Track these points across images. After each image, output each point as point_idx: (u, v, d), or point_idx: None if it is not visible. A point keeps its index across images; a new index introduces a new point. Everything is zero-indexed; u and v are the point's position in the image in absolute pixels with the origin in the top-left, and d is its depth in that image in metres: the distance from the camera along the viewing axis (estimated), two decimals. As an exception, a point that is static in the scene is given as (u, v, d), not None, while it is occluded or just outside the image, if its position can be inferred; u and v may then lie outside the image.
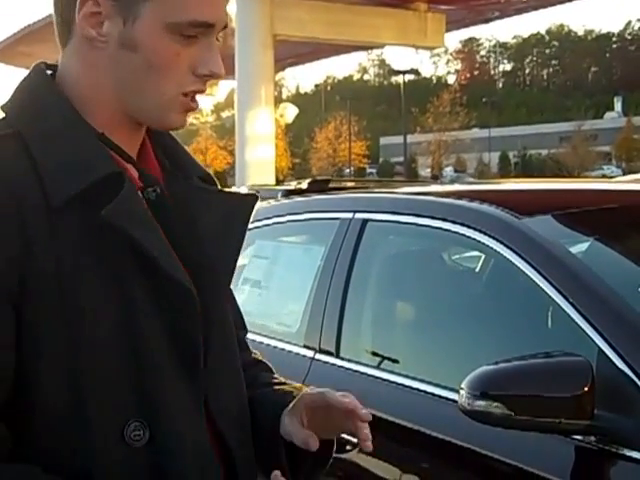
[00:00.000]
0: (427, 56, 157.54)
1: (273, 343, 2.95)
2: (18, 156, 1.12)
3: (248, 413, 1.31)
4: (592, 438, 1.90)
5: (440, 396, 2.25)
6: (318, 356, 2.71)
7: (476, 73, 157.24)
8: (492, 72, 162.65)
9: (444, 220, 2.52)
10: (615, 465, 1.88)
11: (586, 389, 1.82)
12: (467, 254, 3.00)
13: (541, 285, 2.14)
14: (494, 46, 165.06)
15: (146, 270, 1.14)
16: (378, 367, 2.58)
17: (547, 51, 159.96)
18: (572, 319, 2.04)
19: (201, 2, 1.15)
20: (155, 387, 1.14)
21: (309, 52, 31.69)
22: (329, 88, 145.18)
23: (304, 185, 3.83)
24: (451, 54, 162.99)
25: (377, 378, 2.51)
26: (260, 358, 1.50)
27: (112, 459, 1.11)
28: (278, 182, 24.26)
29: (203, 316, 1.19)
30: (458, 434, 2.14)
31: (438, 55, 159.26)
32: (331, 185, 3.79)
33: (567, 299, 2.07)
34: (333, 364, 2.66)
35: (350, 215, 2.85)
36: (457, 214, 2.50)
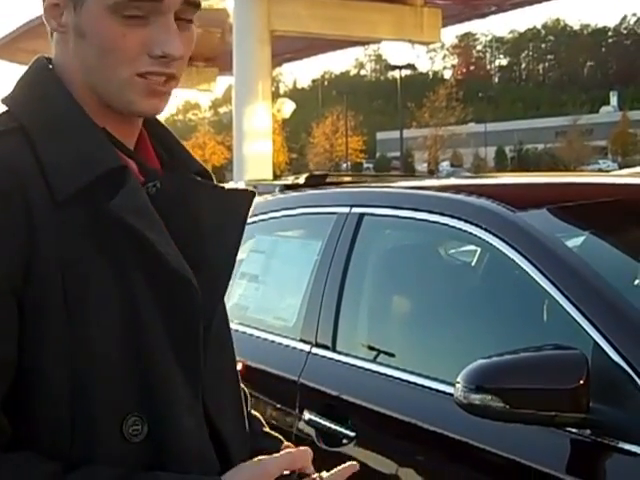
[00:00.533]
0: (423, 51, 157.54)
1: (270, 337, 2.96)
2: (22, 150, 1.12)
3: (244, 414, 1.31)
4: (587, 431, 1.90)
5: (436, 390, 2.26)
6: (314, 350, 2.72)
7: (472, 68, 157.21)
8: (488, 67, 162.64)
9: (440, 214, 2.52)
10: (610, 458, 1.88)
11: (581, 382, 1.82)
12: (463, 248, 3.01)
13: (536, 279, 2.15)
14: (490, 41, 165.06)
15: (150, 265, 1.13)
16: (374, 361, 2.59)
17: (543, 46, 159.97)
18: (567, 312, 2.04)
19: None
20: (155, 382, 1.13)
21: (306, 47, 31.65)
22: (326, 83, 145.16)
23: (301, 180, 3.84)
24: (447, 49, 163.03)
25: (373, 372, 2.52)
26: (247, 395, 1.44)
27: (110, 453, 1.10)
28: (275, 177, 24.26)
29: (207, 315, 1.19)
30: (454, 427, 2.15)
31: (434, 50, 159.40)
32: (328, 180, 3.80)
33: (562, 292, 2.07)
34: (329, 358, 2.66)
35: (347, 209, 2.86)
36: (453, 208, 2.51)
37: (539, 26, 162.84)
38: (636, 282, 2.52)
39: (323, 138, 69.36)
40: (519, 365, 1.91)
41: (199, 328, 1.17)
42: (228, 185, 1.35)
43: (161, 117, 1.31)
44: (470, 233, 2.41)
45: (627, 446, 1.83)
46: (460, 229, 2.44)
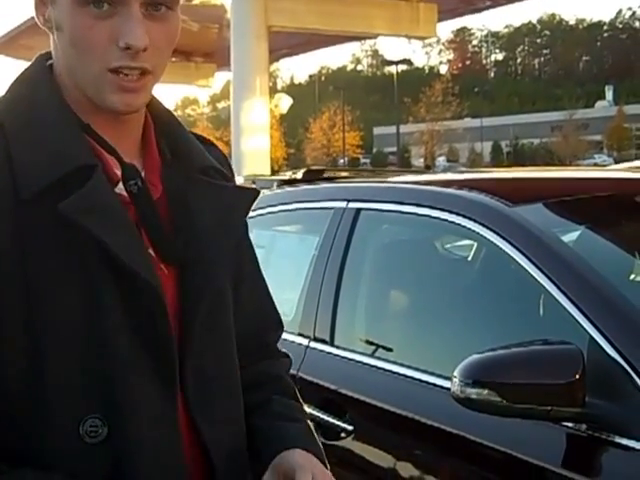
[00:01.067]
0: (419, 46, 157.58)
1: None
2: None
3: (242, 421, 1.28)
4: (583, 425, 1.91)
5: (433, 384, 2.26)
6: (313, 344, 2.73)
7: (468, 63, 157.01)
8: (484, 62, 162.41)
9: (437, 209, 2.53)
10: (606, 452, 1.88)
11: (577, 377, 1.83)
12: (460, 242, 3.01)
13: (532, 273, 2.15)
14: (486, 36, 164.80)
15: (108, 264, 1.12)
16: (372, 355, 2.60)
17: (538, 40, 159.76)
18: (563, 307, 2.04)
19: None
20: (119, 385, 1.11)
21: (303, 43, 31.61)
22: (323, 78, 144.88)
23: (299, 175, 3.84)
24: (443, 44, 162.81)
25: (371, 366, 2.53)
26: (283, 374, 1.43)
27: (65, 452, 1.10)
28: (273, 172, 24.26)
29: (188, 316, 1.17)
30: (450, 421, 2.15)
31: (430, 45, 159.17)
32: (325, 175, 3.80)
33: (558, 287, 2.08)
34: (327, 352, 2.67)
35: (344, 204, 2.86)
36: (449, 203, 2.51)
37: (534, 21, 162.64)
38: (631, 277, 2.53)
39: (320, 133, 69.30)
40: (515, 359, 1.91)
41: (166, 331, 1.15)
42: (232, 183, 1.34)
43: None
44: (466, 228, 2.41)
45: (623, 440, 1.83)
46: (456, 224, 2.45)
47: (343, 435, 2.42)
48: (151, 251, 1.18)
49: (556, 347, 1.90)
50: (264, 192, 3.51)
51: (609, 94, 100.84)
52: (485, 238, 2.36)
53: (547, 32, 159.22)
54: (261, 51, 22.78)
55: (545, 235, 2.25)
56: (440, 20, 27.18)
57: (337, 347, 2.66)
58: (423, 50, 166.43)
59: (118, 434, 1.11)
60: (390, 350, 2.62)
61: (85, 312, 1.10)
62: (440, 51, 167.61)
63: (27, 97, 1.18)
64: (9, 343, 1.08)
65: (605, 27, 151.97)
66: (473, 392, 1.89)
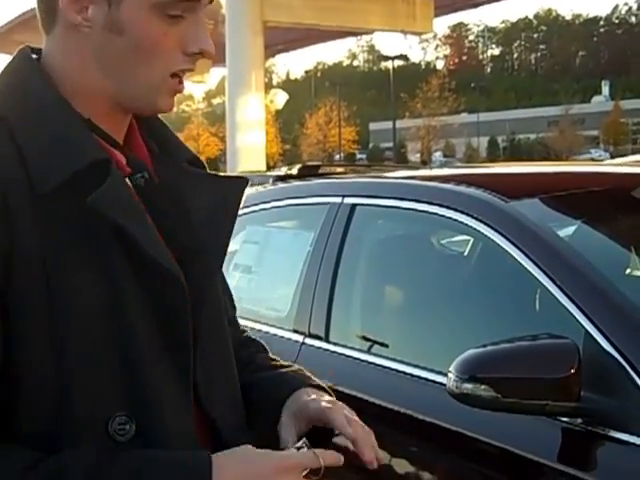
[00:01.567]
0: (416, 41, 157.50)
1: (263, 328, 2.96)
2: (2, 141, 1.11)
3: (240, 399, 1.30)
4: (579, 420, 1.91)
5: (428, 379, 2.26)
6: (308, 340, 2.72)
7: (464, 58, 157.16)
8: (480, 57, 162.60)
9: (433, 204, 2.52)
10: (601, 446, 1.88)
11: (572, 371, 1.82)
12: (456, 238, 3.01)
13: (528, 268, 2.15)
14: (482, 31, 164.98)
15: (132, 257, 1.12)
16: (367, 351, 2.59)
17: (535, 36, 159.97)
18: (559, 301, 2.04)
19: None
20: (143, 379, 1.11)
21: (299, 38, 31.65)
22: (319, 74, 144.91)
23: (295, 171, 3.84)
24: (440, 39, 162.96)
25: (366, 362, 2.52)
26: (252, 336, 1.49)
27: None
28: (269, 168, 24.27)
29: (193, 303, 1.18)
30: (446, 417, 2.15)
31: (427, 40, 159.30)
32: (321, 170, 3.80)
33: (554, 282, 2.07)
34: (322, 348, 2.67)
35: (339, 200, 2.86)
36: (445, 198, 2.51)
37: (531, 16, 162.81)
38: (627, 271, 2.53)
39: (316, 129, 69.26)
40: (511, 354, 1.91)
41: (186, 320, 1.16)
42: (220, 173, 1.35)
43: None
44: (463, 223, 2.41)
45: (618, 435, 1.83)
46: (453, 219, 2.44)
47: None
48: None
49: (552, 342, 1.90)
50: (260, 188, 3.50)
51: (605, 89, 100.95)
52: (481, 233, 2.36)
53: (544, 27, 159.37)
54: (257, 47, 22.79)
55: (541, 230, 2.25)
56: (437, 15, 27.22)
57: (332, 343, 2.66)
58: (419, 45, 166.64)
59: (146, 430, 1.11)
60: (386, 346, 2.61)
61: (108, 307, 1.10)
62: (437, 46, 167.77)
63: (24, 90, 1.16)
64: (34, 345, 1.07)
65: (601, 22, 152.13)
66: (469, 387, 1.89)
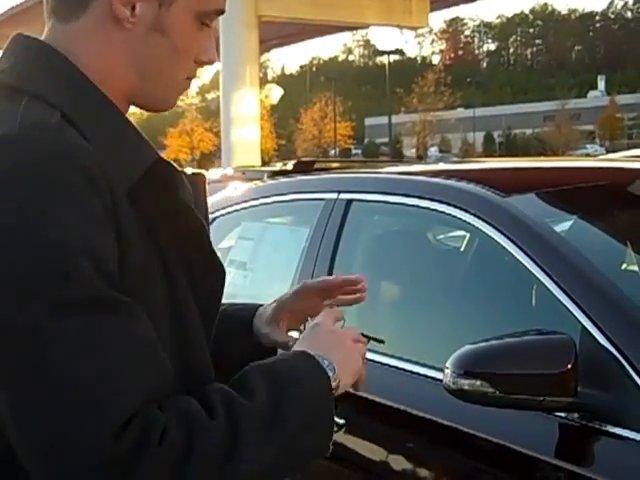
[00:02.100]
0: (412, 36, 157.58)
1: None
2: (77, 136, 1.08)
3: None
4: (575, 415, 1.91)
5: (425, 375, 2.26)
6: (303, 337, 2.71)
7: (460, 53, 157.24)
8: (476, 52, 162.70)
9: (428, 199, 2.52)
10: (598, 441, 1.89)
11: (569, 366, 1.82)
12: (452, 233, 3.00)
13: (525, 263, 2.15)
14: (478, 26, 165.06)
15: (189, 249, 1.17)
16: (363, 347, 2.58)
17: (531, 30, 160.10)
18: (556, 297, 2.04)
19: None
20: (201, 379, 1.16)
21: (294, 33, 31.65)
22: (314, 69, 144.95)
23: (290, 166, 3.83)
24: (435, 34, 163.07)
25: (362, 358, 2.52)
26: None
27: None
28: (264, 163, 24.28)
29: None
30: (443, 413, 2.15)
31: (422, 35, 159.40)
32: (316, 166, 3.79)
33: (551, 277, 2.07)
34: (319, 344, 2.66)
35: (335, 195, 2.85)
36: (441, 193, 2.50)
37: (527, 11, 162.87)
38: (624, 266, 2.53)
39: (311, 124, 69.27)
40: (507, 350, 1.91)
41: (219, 301, 1.26)
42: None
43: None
44: (459, 218, 2.41)
45: (615, 429, 1.84)
46: (449, 214, 2.44)
47: (334, 429, 2.40)
48: None
49: (548, 337, 1.90)
50: (255, 184, 3.49)
51: (601, 84, 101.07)
52: (477, 229, 2.35)
53: (539, 22, 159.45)
54: (251, 41, 22.79)
55: (537, 225, 2.25)
56: (432, 10, 27.24)
57: (328, 339, 2.65)
58: (415, 40, 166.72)
59: None
60: (382, 342, 2.60)
61: (171, 310, 1.14)
62: (432, 41, 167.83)
63: (76, 89, 1.13)
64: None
65: (597, 17, 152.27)
66: (465, 383, 1.89)
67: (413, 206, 2.59)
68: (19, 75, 1.13)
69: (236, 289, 2.99)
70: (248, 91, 23.01)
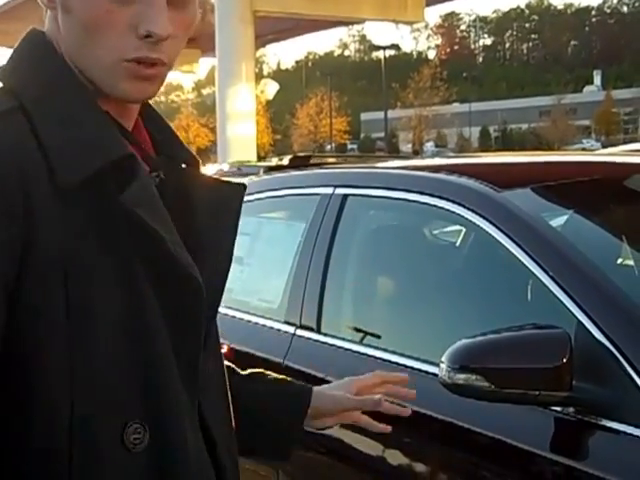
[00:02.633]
0: (407, 31, 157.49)
1: (254, 319, 2.96)
2: (24, 132, 1.03)
3: (232, 425, 1.24)
4: (571, 409, 1.91)
5: (421, 370, 2.26)
6: (299, 332, 2.72)
7: (456, 48, 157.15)
8: (472, 47, 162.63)
9: (424, 194, 2.51)
10: (594, 435, 1.89)
11: (564, 360, 1.83)
12: (448, 228, 3.00)
13: (520, 258, 2.15)
14: (474, 21, 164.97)
15: (157, 262, 1.06)
16: (359, 342, 2.59)
17: (527, 25, 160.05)
18: (551, 291, 2.04)
19: None
20: (158, 386, 1.06)
21: (290, 28, 31.56)
22: (310, 64, 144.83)
23: (285, 161, 3.83)
24: (431, 29, 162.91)
25: (358, 353, 2.52)
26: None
27: (111, 461, 1.03)
28: (260, 158, 24.26)
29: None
30: (439, 408, 2.15)
31: (418, 30, 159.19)
32: (312, 161, 3.78)
33: (546, 271, 2.07)
34: (314, 340, 2.66)
35: (330, 190, 2.85)
36: (437, 188, 2.50)
37: (523, 5, 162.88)
38: (619, 261, 2.53)
39: (307, 119, 69.24)
40: (503, 344, 1.91)
41: (202, 331, 1.11)
42: (216, 175, 1.31)
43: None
44: (454, 213, 2.40)
45: (610, 424, 1.84)
46: (444, 209, 2.44)
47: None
48: None
49: (544, 331, 1.90)
50: (251, 179, 3.49)
51: (597, 79, 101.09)
52: (473, 223, 2.35)
53: (535, 17, 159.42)
54: (247, 36, 22.73)
55: (533, 220, 2.25)
56: (428, 5, 27.20)
57: (324, 334, 2.65)
58: (411, 35, 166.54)
59: (160, 441, 1.06)
60: (378, 337, 2.61)
61: (127, 309, 1.04)
62: (428, 36, 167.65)
63: (44, 79, 1.08)
64: (48, 346, 1.01)
65: (593, 12, 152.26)
66: (461, 378, 1.89)
67: (409, 201, 2.59)
68: (4, 71, 1.11)
69: (232, 284, 2.97)
70: (244, 86, 22.97)
